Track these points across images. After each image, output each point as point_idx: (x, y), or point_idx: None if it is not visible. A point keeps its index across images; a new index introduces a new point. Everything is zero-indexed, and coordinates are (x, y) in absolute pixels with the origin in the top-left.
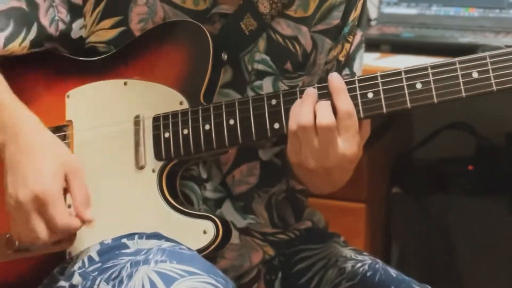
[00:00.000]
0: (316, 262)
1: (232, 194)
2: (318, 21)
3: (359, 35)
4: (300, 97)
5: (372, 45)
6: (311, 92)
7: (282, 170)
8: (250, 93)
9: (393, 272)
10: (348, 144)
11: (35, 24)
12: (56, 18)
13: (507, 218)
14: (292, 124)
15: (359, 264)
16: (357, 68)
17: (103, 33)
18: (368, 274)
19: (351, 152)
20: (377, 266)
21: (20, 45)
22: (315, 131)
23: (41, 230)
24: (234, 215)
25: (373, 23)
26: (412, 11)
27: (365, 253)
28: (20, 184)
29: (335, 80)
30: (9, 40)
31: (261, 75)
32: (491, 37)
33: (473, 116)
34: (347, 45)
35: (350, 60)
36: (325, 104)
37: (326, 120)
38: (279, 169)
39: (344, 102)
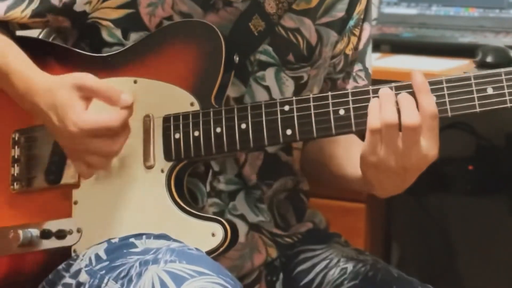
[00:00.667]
0: (317, 263)
1: (247, 185)
2: (323, 14)
3: (367, 29)
4: (314, 105)
5: (372, 45)
6: (389, 92)
7: (286, 164)
8: (253, 83)
9: (395, 272)
10: (431, 145)
11: None
12: None
13: (507, 218)
14: (375, 122)
15: (360, 264)
16: (369, 61)
17: (109, 11)
18: (370, 274)
19: (432, 153)
20: (378, 266)
21: (21, 12)
22: (399, 130)
23: (103, 143)
24: (247, 209)
25: (373, 23)
26: (412, 11)
27: (366, 253)
28: (57, 133)
29: (419, 79)
30: (10, 8)
31: (263, 65)
32: (491, 37)
33: (473, 116)
34: (353, 39)
35: (361, 55)
36: (410, 102)
37: (412, 120)
38: (282, 163)
39: (429, 102)
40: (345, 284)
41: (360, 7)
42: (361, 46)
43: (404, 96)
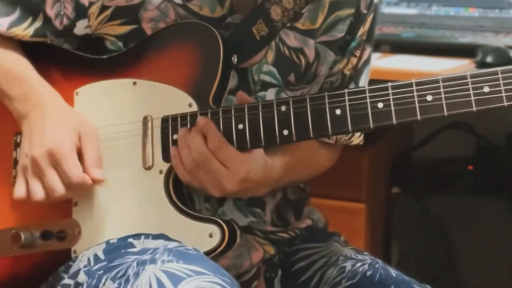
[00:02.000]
0: (316, 261)
1: None
2: (323, 32)
3: (368, 50)
4: (310, 105)
5: (372, 45)
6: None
7: None
8: None
9: (393, 272)
10: (233, 172)
11: (41, 15)
12: (62, 12)
13: (507, 218)
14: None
15: (359, 264)
16: (363, 82)
17: (113, 27)
18: (368, 273)
19: (244, 174)
20: (377, 265)
21: (23, 30)
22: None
23: (56, 183)
24: (236, 214)
25: None
26: (412, 11)
27: (365, 253)
28: (36, 143)
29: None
30: (13, 24)
31: (266, 86)
32: (491, 37)
33: (473, 116)
34: (353, 59)
35: (357, 74)
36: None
37: (198, 156)
38: None
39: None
40: (343, 282)
41: (364, 29)
42: (358, 66)
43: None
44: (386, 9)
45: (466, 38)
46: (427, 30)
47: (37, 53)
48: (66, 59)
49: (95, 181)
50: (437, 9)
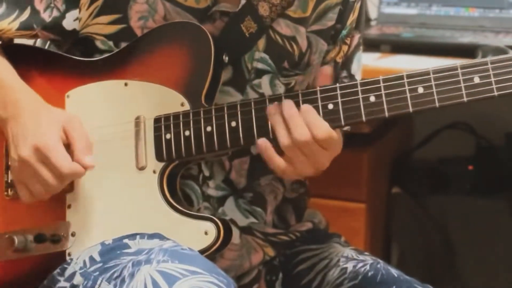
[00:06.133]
0: (317, 263)
1: (237, 189)
2: (314, 21)
3: (356, 37)
4: (303, 100)
5: (372, 45)
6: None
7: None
8: (249, 91)
9: (394, 272)
10: (330, 152)
11: (29, 8)
12: (52, 5)
13: (507, 218)
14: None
15: (360, 264)
16: (355, 69)
17: (101, 27)
18: (369, 274)
19: (335, 151)
20: (378, 266)
21: (9, 24)
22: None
23: (48, 178)
24: (236, 214)
25: (373, 23)
26: (412, 11)
27: (366, 253)
28: (21, 144)
29: (286, 109)
30: None
31: (260, 73)
32: (491, 37)
33: (473, 116)
34: (344, 47)
35: (347, 61)
36: (297, 121)
37: (303, 137)
38: (265, 162)
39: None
40: (345, 284)
41: (353, 17)
42: (348, 53)
43: (290, 115)
44: (386, 9)
45: (466, 38)
46: (427, 30)
47: (28, 57)
48: (56, 63)
49: (86, 168)
50: (437, 9)
